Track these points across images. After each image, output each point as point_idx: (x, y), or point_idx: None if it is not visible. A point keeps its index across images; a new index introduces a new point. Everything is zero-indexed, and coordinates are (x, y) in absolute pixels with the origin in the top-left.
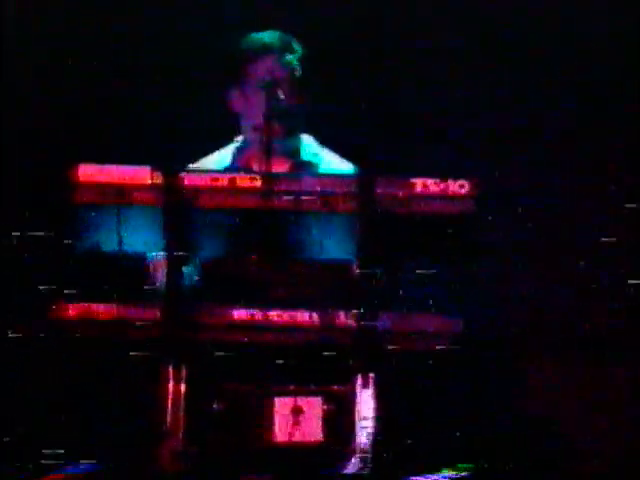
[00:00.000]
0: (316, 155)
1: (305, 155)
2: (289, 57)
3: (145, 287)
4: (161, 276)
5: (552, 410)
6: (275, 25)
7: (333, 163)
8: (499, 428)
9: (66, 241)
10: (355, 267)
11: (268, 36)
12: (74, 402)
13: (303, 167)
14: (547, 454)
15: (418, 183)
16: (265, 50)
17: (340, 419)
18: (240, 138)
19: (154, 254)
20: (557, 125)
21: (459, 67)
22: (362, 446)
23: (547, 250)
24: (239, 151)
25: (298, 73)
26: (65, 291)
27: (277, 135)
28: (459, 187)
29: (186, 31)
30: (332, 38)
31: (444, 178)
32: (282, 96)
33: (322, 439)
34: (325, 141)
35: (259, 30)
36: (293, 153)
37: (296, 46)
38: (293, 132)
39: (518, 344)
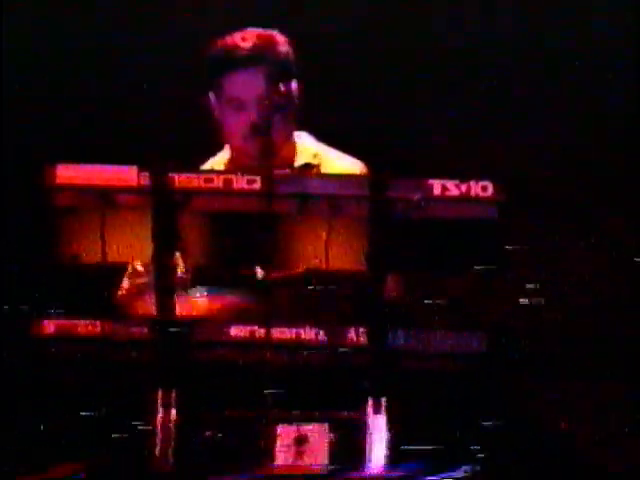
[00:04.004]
0: (316, 155)
1: (302, 158)
2: (266, 68)
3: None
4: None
5: (584, 435)
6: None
7: (336, 163)
8: (527, 459)
9: (43, 250)
10: (366, 278)
11: (239, 43)
12: (49, 432)
13: (302, 172)
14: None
15: (436, 185)
16: (233, 65)
17: (349, 448)
18: (227, 148)
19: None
20: (595, 121)
21: (480, 59)
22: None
23: (580, 260)
24: (229, 161)
25: (282, 79)
26: (42, 306)
27: (258, 155)
28: (482, 189)
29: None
30: (343, 32)
31: (465, 179)
32: (257, 115)
33: (328, 471)
34: (330, 138)
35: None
36: (286, 161)
37: (281, 47)
38: (280, 146)
39: (548, 363)
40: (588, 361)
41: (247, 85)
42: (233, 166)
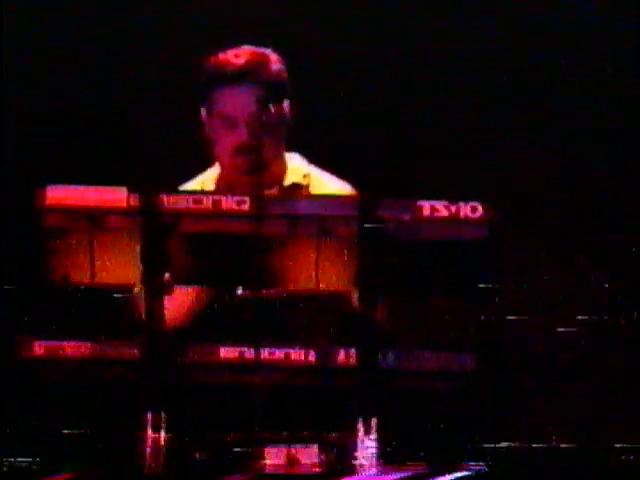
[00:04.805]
0: (306, 176)
1: (292, 177)
2: (257, 85)
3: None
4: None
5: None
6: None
7: (326, 185)
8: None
9: (32, 271)
10: (356, 299)
11: (231, 59)
12: (38, 455)
13: (291, 192)
14: None
15: (425, 206)
16: (224, 80)
17: (339, 469)
18: (217, 164)
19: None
20: (584, 141)
21: (468, 75)
22: None
23: (569, 277)
24: (219, 177)
25: (274, 98)
26: (32, 327)
27: (248, 172)
28: (471, 210)
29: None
30: (333, 50)
31: (454, 200)
32: (247, 133)
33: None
34: (320, 159)
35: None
36: (276, 179)
37: (274, 65)
38: (270, 162)
39: (537, 380)
40: (588, 361)
41: (237, 102)
42: (223, 182)
